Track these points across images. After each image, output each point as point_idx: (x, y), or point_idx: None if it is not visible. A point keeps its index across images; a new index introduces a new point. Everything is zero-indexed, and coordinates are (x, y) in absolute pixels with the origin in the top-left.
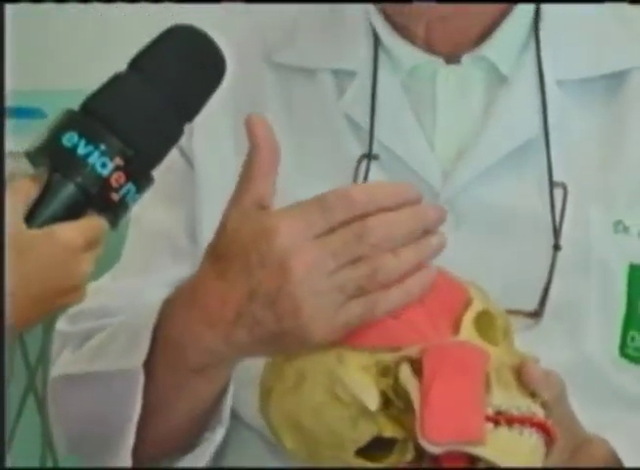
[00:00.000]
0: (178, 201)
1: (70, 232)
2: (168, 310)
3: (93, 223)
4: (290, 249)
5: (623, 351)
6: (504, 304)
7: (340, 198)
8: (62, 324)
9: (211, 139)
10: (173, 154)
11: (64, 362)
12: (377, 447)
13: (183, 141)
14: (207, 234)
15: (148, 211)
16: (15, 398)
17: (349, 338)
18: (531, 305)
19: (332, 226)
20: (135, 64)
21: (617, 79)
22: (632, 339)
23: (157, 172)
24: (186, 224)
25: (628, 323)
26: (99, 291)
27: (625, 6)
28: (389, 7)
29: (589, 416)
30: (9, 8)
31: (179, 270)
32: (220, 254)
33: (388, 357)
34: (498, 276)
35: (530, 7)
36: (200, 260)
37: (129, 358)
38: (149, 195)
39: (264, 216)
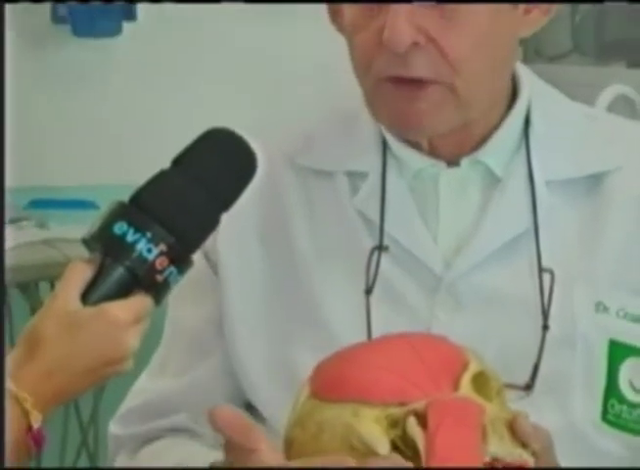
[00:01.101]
0: (204, 300)
1: (120, 309)
2: None
3: (140, 301)
4: None
5: (605, 417)
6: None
7: None
8: (114, 427)
9: (236, 237)
10: (199, 258)
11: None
12: None
13: (208, 243)
14: (232, 330)
15: (177, 311)
16: (70, 454)
17: (364, 394)
18: (523, 378)
19: None
20: (178, 161)
21: (596, 179)
22: (612, 406)
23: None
24: (213, 321)
25: (609, 393)
26: (141, 391)
27: (604, 113)
28: (396, 130)
29: None
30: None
31: (210, 366)
32: None
33: (397, 411)
34: (494, 352)
35: (522, 116)
36: (226, 355)
37: None
38: (179, 295)
39: None
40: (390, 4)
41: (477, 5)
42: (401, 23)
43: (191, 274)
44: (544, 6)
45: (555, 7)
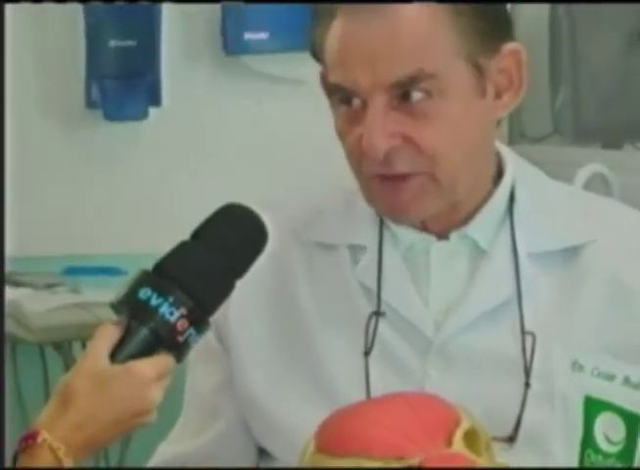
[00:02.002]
0: (214, 369)
1: (145, 367)
2: None
3: (163, 360)
4: None
5: (582, 466)
6: None
7: None
8: None
9: (247, 303)
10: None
11: None
12: None
13: (218, 314)
14: (244, 389)
15: (192, 379)
16: None
17: (366, 449)
18: (507, 430)
19: None
20: (197, 233)
21: (573, 251)
22: (589, 456)
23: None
24: (222, 387)
25: (585, 444)
26: (162, 453)
27: (581, 190)
28: (388, 218)
29: None
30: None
31: (221, 426)
32: None
33: (396, 465)
34: (481, 407)
35: (506, 194)
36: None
37: None
38: (193, 362)
39: None
40: (366, 115)
41: (447, 102)
42: (376, 134)
43: (202, 344)
44: (515, 87)
45: (526, 87)
